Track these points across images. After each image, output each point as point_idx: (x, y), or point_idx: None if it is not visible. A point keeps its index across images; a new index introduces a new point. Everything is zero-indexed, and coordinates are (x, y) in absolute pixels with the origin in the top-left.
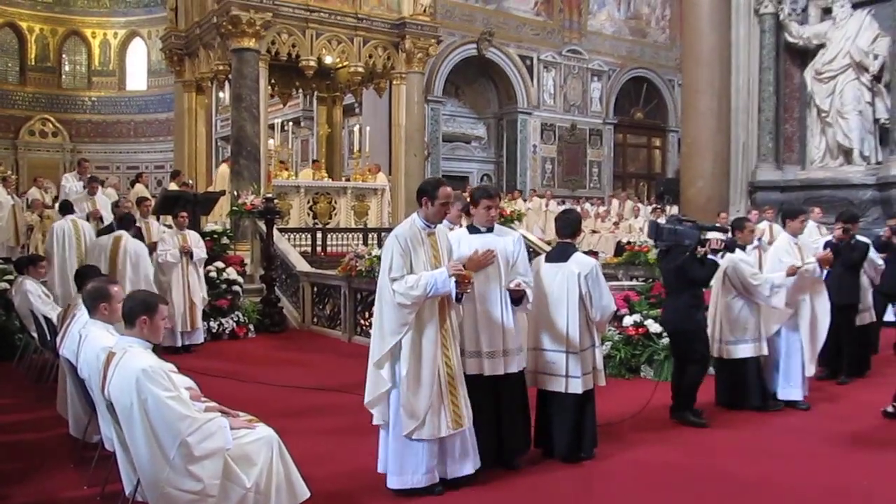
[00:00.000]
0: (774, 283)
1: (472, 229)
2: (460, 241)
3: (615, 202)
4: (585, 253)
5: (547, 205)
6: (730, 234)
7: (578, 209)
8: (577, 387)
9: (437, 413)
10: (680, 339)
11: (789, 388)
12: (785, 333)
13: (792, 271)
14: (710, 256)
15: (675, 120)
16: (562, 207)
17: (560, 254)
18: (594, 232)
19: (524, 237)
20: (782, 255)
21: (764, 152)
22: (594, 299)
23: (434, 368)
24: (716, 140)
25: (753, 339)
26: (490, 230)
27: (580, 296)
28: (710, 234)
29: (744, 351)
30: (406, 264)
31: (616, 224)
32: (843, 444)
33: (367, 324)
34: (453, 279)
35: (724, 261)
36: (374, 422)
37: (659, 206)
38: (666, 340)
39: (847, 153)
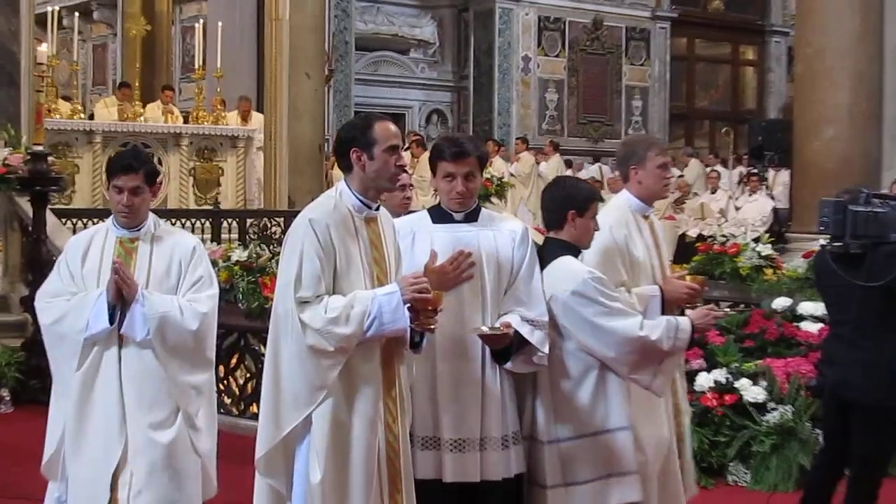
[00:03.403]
0: None
1: (438, 214)
2: (415, 237)
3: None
4: None
5: (538, 165)
6: None
7: (597, 174)
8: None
9: None
10: (880, 421)
11: None
12: None
13: None
14: None
15: (781, 16)
16: (568, 172)
17: None
18: None
19: None
20: None
21: None
22: (584, 339)
23: (371, 467)
24: (858, 54)
25: None
26: (472, 217)
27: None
28: None
29: None
30: (327, 276)
31: (679, 203)
32: None
33: (225, 387)
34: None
35: None
36: None
37: (754, 172)
38: (774, 417)
39: None
